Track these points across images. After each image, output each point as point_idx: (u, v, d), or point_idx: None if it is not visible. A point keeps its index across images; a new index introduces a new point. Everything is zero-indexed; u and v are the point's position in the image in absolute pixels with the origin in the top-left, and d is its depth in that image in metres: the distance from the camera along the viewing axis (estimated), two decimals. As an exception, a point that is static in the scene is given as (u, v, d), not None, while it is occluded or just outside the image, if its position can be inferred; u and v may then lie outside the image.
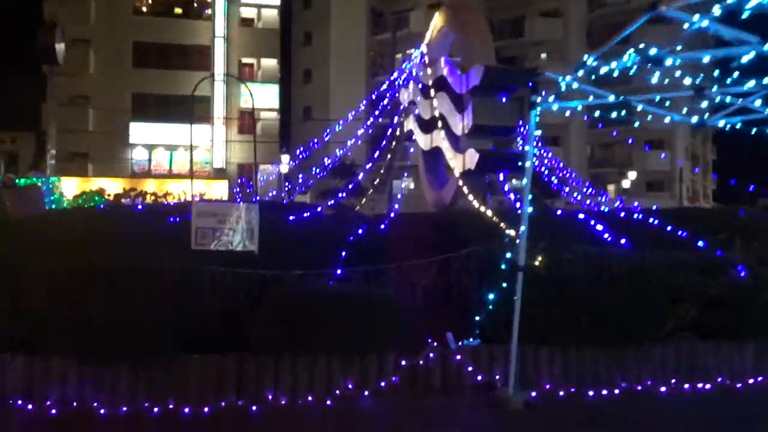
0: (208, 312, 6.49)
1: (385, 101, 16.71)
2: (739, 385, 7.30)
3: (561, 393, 6.90)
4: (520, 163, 9.24)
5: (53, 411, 6.09)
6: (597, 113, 6.81)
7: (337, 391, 6.54)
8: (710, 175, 66.88)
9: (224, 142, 41.30)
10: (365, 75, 49.57)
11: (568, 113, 6.95)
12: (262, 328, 6.53)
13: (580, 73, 5.65)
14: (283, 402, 6.42)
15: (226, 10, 40.93)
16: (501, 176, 12.17)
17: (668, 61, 4.87)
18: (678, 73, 5.50)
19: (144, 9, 41.09)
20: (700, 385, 7.21)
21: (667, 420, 6.35)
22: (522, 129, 11.36)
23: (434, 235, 8.50)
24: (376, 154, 16.18)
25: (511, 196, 12.59)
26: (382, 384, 6.62)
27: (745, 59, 5.07)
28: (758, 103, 6.55)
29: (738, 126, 6.50)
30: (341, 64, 48.33)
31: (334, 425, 6.14)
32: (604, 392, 6.95)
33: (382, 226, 9.32)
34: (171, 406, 6.20)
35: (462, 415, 6.32)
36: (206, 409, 6.16)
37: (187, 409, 6.15)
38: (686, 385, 7.20)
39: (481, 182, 11.65)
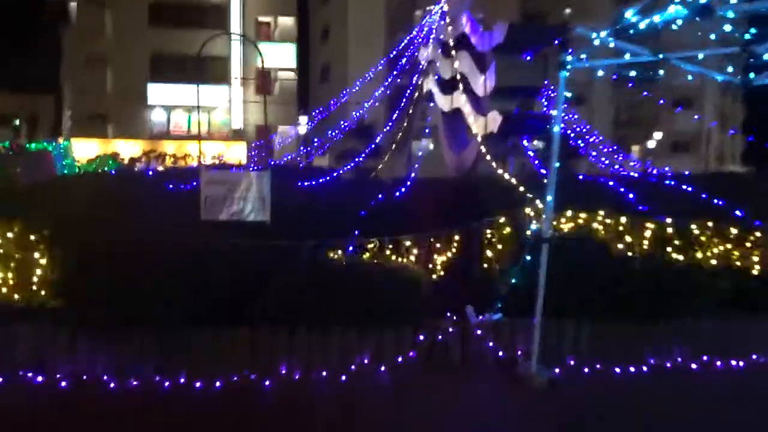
0: (220, 284, 6.26)
1: (404, 60, 16.17)
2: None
3: (586, 369, 6.60)
4: (547, 127, 8.79)
5: (63, 384, 5.96)
6: (632, 72, 6.31)
7: (353, 366, 6.32)
8: (739, 135, 65.04)
9: (242, 102, 40.88)
10: (384, 33, 48.46)
11: (601, 73, 6.46)
12: (275, 301, 6.29)
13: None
14: (296, 377, 6.22)
15: (242, -33, 40.04)
16: (525, 140, 11.70)
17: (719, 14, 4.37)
18: (728, 28, 4.98)
19: (159, -33, 40.30)
20: (733, 362, 6.86)
21: (698, 398, 6.05)
22: (548, 90, 10.85)
23: (454, 203, 8.17)
24: (395, 115, 15.71)
25: (533, 158, 12.15)
26: (399, 359, 6.38)
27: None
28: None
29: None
30: (359, 21, 47.21)
31: (348, 401, 5.93)
32: (632, 369, 6.64)
33: (400, 194, 9.00)
34: (182, 380, 6.03)
35: (482, 392, 6.07)
36: (218, 384, 5.98)
37: (198, 383, 5.97)
38: (718, 362, 6.86)
39: (503, 145, 11.20)
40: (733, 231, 7.27)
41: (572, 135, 13.20)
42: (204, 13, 39.71)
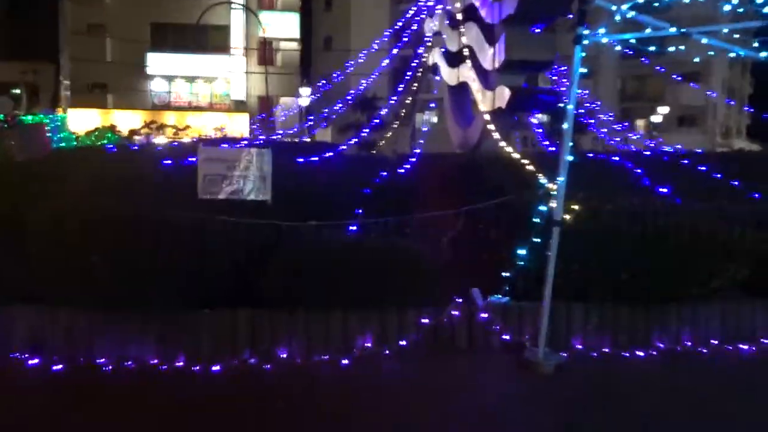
0: (219, 265, 6.07)
1: (409, 32, 15.75)
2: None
3: (594, 354, 6.44)
4: (559, 104, 8.53)
5: (59, 366, 5.81)
6: (652, 47, 6.01)
7: (355, 350, 6.16)
8: (745, 109, 64.22)
9: (244, 73, 40.34)
10: (389, 2, 47.61)
11: (618, 48, 6.16)
12: (275, 282, 6.11)
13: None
14: (298, 360, 6.06)
15: (244, -67, 39.14)
16: (532, 115, 11.38)
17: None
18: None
19: (159, -67, 39.42)
20: (744, 347, 6.69)
21: (710, 385, 5.89)
22: (558, 65, 10.51)
23: (460, 181, 7.94)
24: (399, 87, 15.35)
25: (540, 134, 11.86)
26: (403, 342, 6.21)
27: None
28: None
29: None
30: (363, -11, 46.40)
31: (351, 385, 5.77)
32: (641, 353, 6.47)
33: (405, 171, 8.76)
34: (180, 364, 5.89)
35: (488, 377, 5.91)
36: (217, 367, 5.83)
37: (197, 367, 5.83)
38: (729, 347, 6.69)
39: (510, 121, 10.91)
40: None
41: (582, 111, 12.90)
42: (205, -20, 38.93)
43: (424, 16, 15.04)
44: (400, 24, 16.52)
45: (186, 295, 5.99)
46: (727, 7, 4.68)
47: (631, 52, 8.69)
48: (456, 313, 6.35)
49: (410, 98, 16.31)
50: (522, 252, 6.35)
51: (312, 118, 21.77)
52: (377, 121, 17.93)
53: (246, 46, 39.99)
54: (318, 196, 7.34)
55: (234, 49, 39.16)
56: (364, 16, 45.64)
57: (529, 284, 6.46)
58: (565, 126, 5.73)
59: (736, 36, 6.35)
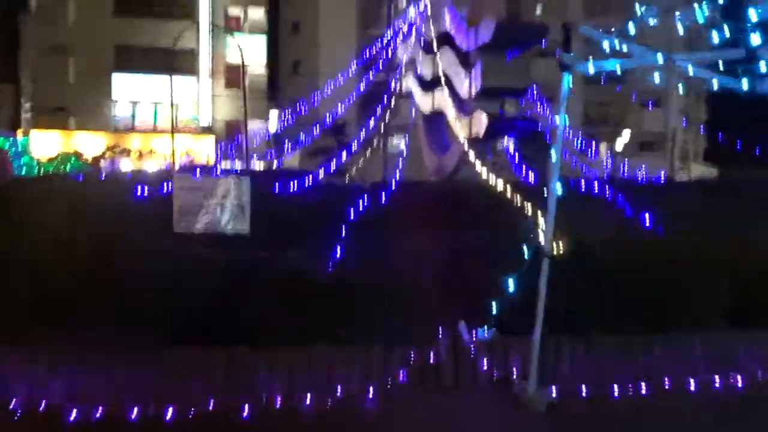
0: (194, 299, 5.75)
1: (380, 61, 15.71)
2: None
3: (583, 388, 6.28)
4: (533, 129, 8.46)
5: (18, 413, 5.38)
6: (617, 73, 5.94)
7: (339, 388, 5.88)
8: (702, 134, 66.24)
9: (211, 96, 39.89)
10: (356, 27, 47.90)
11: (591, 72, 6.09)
12: (254, 318, 5.82)
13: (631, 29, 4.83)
14: (278, 401, 5.75)
15: (212, -43, 39.03)
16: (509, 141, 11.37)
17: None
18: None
19: (124, -45, 39.03)
20: (731, 378, 6.62)
21: (700, 417, 5.79)
22: (532, 91, 10.54)
23: (441, 211, 7.78)
24: (373, 116, 15.25)
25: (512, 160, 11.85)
26: (389, 380, 5.96)
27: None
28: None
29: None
30: (331, 15, 46.60)
31: (335, 426, 5.50)
32: (630, 387, 6.34)
33: (384, 199, 8.58)
34: (152, 407, 5.51)
35: (478, 416, 5.70)
36: (192, 410, 5.47)
37: (170, 411, 5.46)
38: (717, 379, 6.61)
39: (486, 147, 10.86)
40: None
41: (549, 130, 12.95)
42: (171, 3, 38.60)
43: (396, 42, 15.02)
44: (372, 51, 16.49)
45: (156, 332, 5.65)
46: (715, 38, 4.66)
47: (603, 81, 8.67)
48: (443, 348, 6.14)
49: (382, 124, 16.23)
50: (508, 284, 6.19)
51: (284, 142, 21.54)
52: (347, 146, 17.80)
53: (213, 69, 39.61)
54: (298, 225, 7.11)
55: (203, 73, 38.72)
56: (332, 41, 45.79)
57: (516, 317, 6.29)
58: (553, 158, 5.64)
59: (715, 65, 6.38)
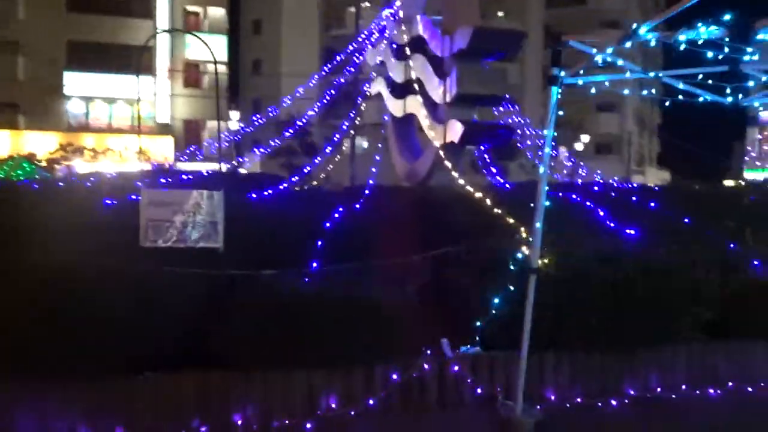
0: (163, 321, 5.39)
1: (346, 61, 15.43)
2: (750, 389, 6.75)
3: (568, 405, 6.16)
4: (510, 138, 8.35)
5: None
6: (626, 91, 5.88)
7: (319, 411, 5.61)
8: (655, 138, 68.00)
9: (169, 96, 38.91)
10: (319, 28, 47.45)
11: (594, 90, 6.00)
12: (228, 340, 5.49)
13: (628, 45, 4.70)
14: (254, 427, 5.44)
15: (170, -47, 38.07)
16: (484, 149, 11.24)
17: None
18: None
19: (79, -52, 37.71)
20: (713, 391, 6.61)
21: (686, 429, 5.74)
22: (506, 100, 10.43)
23: (421, 220, 7.57)
24: (344, 119, 14.94)
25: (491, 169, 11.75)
26: (371, 402, 5.72)
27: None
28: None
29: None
30: (293, 15, 46.02)
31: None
32: (614, 402, 6.25)
33: (359, 207, 8.32)
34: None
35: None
36: (162, 440, 5.14)
37: (138, 440, 5.11)
38: (697, 391, 6.59)
39: (460, 155, 10.72)
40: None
41: (518, 138, 12.91)
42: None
43: (365, 46, 14.75)
44: (338, 52, 16.20)
45: (124, 357, 5.27)
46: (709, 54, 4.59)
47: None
48: (426, 366, 5.92)
49: (347, 125, 15.92)
50: (493, 299, 6.03)
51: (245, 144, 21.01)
52: (311, 148, 17.46)
53: (171, 68, 38.64)
54: (268, 237, 6.78)
55: (161, 71, 37.71)
56: (294, 41, 45.22)
57: (499, 331, 6.14)
58: (540, 170, 5.48)
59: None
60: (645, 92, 5.91)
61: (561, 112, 5.44)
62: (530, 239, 5.70)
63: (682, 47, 4.48)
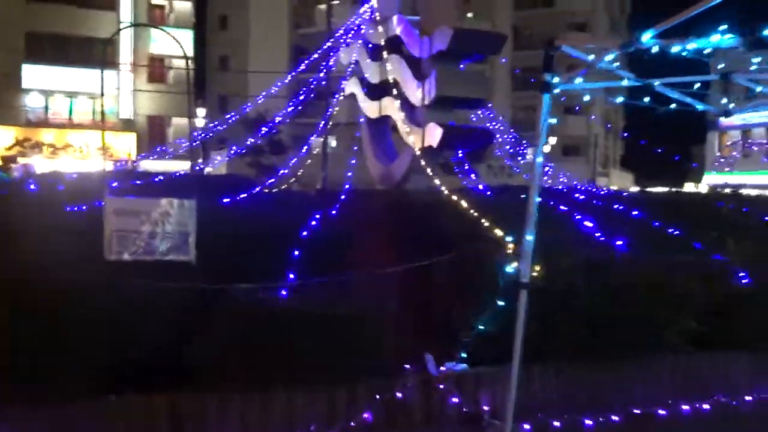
0: (135, 339, 5.01)
1: (316, 59, 15.07)
2: (735, 402, 6.68)
3: (557, 423, 5.97)
4: (489, 143, 8.15)
5: None
6: (620, 99, 5.70)
7: (298, 432, 5.31)
8: (619, 141, 69.17)
9: (132, 91, 37.85)
10: (288, 25, 46.83)
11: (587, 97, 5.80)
12: (203, 358, 5.15)
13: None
14: (230, 451, 5.12)
15: (135, -57, 37.03)
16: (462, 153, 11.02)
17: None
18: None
19: (39, -64, 36.37)
20: (700, 404, 6.51)
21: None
22: (486, 103, 10.25)
23: (399, 226, 7.30)
24: (321, 119, 14.56)
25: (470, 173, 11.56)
26: (353, 423, 5.44)
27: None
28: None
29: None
30: (260, 11, 45.31)
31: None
32: (601, 419, 6.09)
33: (336, 212, 8.02)
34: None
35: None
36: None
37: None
38: (684, 403, 6.47)
39: (437, 158, 10.49)
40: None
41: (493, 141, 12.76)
42: (91, -10, 36.35)
43: (336, 46, 14.40)
44: (308, 50, 15.83)
45: (90, 378, 4.88)
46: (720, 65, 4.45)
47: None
48: (410, 383, 5.67)
49: (323, 126, 15.55)
50: (480, 314, 5.80)
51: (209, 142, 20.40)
52: (279, 147, 17.06)
53: (134, 62, 37.57)
54: (242, 245, 6.43)
55: (123, 65, 36.61)
56: (262, 37, 44.53)
57: (485, 345, 5.92)
58: (535, 181, 5.27)
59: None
60: (647, 99, 5.68)
61: (554, 120, 5.23)
62: (518, 251, 5.48)
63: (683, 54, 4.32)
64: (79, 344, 4.73)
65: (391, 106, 11.11)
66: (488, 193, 9.03)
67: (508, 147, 12.76)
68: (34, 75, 35.62)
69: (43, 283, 4.75)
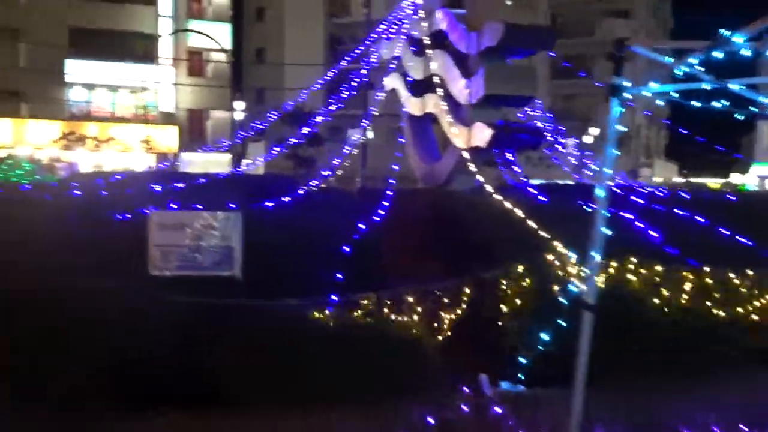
0: (161, 354, 4.80)
1: (356, 51, 14.70)
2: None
3: (620, 449, 5.58)
4: (540, 143, 7.71)
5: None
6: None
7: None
8: (663, 130, 67.17)
9: (173, 84, 38.17)
10: (323, 14, 46.54)
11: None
12: (234, 376, 4.92)
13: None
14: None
15: (174, -62, 37.20)
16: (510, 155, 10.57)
17: None
18: None
19: (82, -67, 36.83)
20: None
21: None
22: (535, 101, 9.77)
23: (447, 234, 6.95)
24: (360, 117, 14.22)
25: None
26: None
27: None
28: None
29: None
30: (296, 1, 45.11)
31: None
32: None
33: (380, 217, 7.71)
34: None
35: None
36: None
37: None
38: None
39: (485, 159, 10.07)
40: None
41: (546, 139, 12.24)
42: (132, -14, 36.71)
43: (379, 41, 13.97)
44: (345, 42, 15.46)
45: (105, 394, 4.68)
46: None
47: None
48: (463, 406, 5.35)
49: (367, 122, 15.20)
50: (540, 334, 5.44)
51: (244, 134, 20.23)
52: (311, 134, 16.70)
53: (175, 56, 37.87)
54: (283, 255, 6.17)
55: (164, 59, 36.95)
56: (298, 28, 44.37)
57: (542, 367, 5.57)
58: (601, 193, 4.86)
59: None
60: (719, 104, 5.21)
61: (623, 128, 4.81)
62: (582, 269, 5.10)
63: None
64: (103, 356, 4.51)
65: (434, 104, 10.73)
66: (539, 194, 8.59)
67: (550, 137, 12.18)
68: (77, 69, 36.20)
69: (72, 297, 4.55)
